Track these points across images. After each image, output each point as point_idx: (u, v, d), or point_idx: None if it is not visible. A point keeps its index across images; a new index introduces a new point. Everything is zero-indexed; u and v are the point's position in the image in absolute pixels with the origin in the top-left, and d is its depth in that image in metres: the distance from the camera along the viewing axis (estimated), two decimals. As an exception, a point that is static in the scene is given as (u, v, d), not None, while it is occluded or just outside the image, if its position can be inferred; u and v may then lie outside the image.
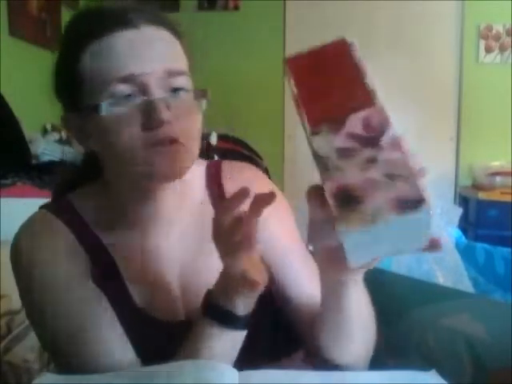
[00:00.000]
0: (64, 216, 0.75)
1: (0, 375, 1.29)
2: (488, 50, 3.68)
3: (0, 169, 1.99)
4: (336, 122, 0.48)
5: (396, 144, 0.46)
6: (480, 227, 3.19)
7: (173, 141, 0.66)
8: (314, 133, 0.49)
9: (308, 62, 0.53)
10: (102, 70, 0.66)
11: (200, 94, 0.71)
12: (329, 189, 0.45)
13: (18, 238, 0.74)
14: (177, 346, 0.68)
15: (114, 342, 0.70)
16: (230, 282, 0.63)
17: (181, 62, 0.71)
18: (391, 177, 0.45)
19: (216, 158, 1.45)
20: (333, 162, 0.47)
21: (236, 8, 3.82)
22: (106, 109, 0.65)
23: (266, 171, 1.52)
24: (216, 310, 0.65)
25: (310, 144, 0.49)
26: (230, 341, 0.66)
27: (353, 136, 0.47)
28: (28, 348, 0.75)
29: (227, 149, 2.80)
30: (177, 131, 0.66)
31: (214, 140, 2.89)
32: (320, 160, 0.47)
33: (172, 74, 0.68)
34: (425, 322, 1.01)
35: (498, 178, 3.30)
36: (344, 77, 0.51)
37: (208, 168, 0.83)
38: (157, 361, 0.64)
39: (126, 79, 0.65)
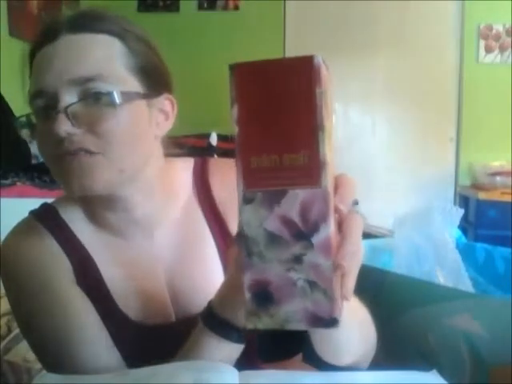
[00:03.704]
0: (47, 222, 0.75)
1: (0, 375, 1.29)
2: (488, 50, 3.68)
3: (0, 169, 1.99)
4: (273, 192, 0.41)
5: (326, 247, 0.40)
6: (480, 227, 3.19)
7: (79, 152, 0.64)
8: (248, 199, 0.41)
9: (257, 79, 0.41)
10: (30, 86, 0.69)
11: (135, 95, 0.67)
12: (247, 279, 0.42)
13: (3, 243, 0.75)
14: (162, 350, 0.66)
15: (99, 345, 0.70)
16: (235, 293, 0.57)
17: (104, 64, 0.66)
18: (311, 284, 0.41)
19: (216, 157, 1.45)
20: (258, 248, 0.41)
21: (236, 8, 3.82)
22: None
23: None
24: (219, 321, 0.61)
25: (239, 213, 0.42)
26: (228, 352, 0.63)
27: (286, 222, 0.40)
28: (28, 348, 0.76)
29: (227, 149, 2.80)
30: (84, 141, 0.64)
31: (214, 140, 2.89)
32: (245, 240, 0.42)
33: (87, 80, 0.65)
34: (425, 321, 1.01)
35: (498, 178, 3.30)
36: (294, 119, 0.40)
37: (195, 166, 0.82)
38: (142, 365, 0.62)
39: (38, 94, 0.66)
